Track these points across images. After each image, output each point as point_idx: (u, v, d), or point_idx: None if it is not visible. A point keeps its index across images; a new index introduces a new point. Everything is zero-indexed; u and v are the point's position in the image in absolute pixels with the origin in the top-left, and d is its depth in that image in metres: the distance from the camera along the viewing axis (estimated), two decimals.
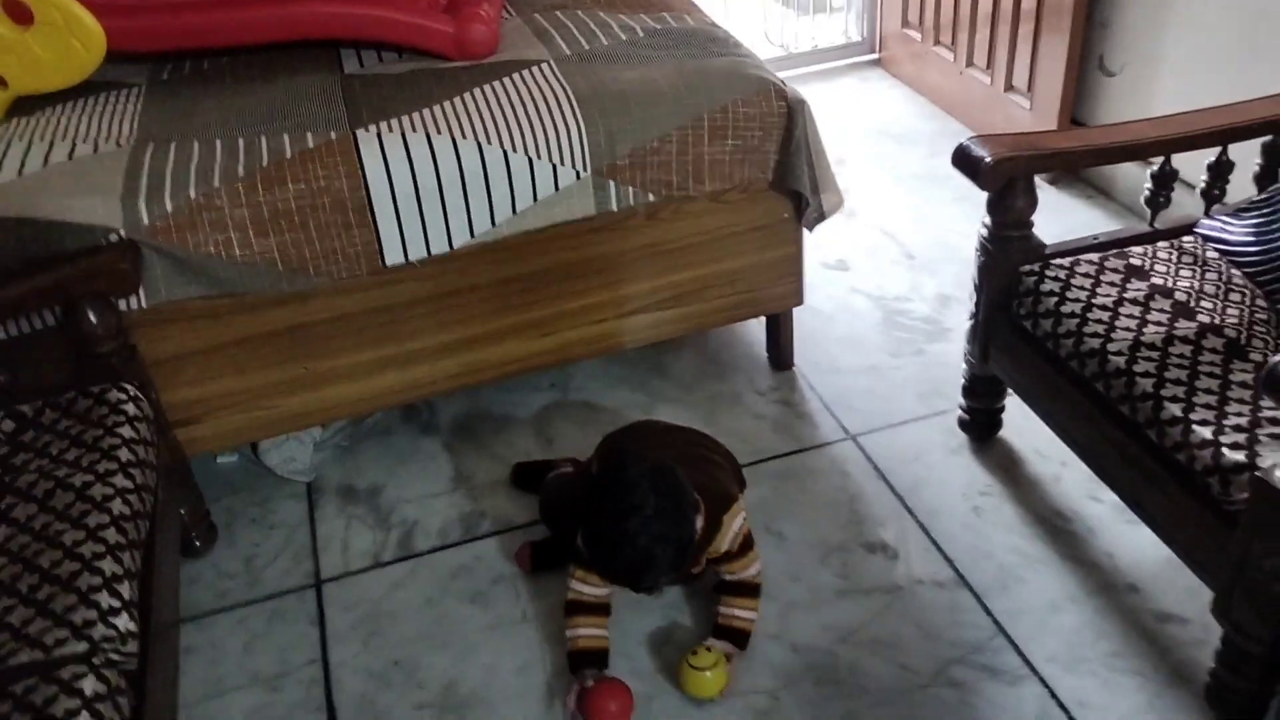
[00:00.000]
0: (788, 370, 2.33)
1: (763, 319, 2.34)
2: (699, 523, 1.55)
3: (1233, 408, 1.49)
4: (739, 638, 1.68)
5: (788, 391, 2.28)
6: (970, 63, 3.13)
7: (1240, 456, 1.41)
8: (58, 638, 1.31)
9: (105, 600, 1.37)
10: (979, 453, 2.06)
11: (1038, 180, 2.60)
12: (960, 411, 2.08)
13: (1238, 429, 1.45)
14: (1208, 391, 1.52)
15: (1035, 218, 1.81)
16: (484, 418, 2.28)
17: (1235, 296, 1.71)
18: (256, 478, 2.17)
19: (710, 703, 1.64)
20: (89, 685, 1.25)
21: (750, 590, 1.70)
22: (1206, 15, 2.42)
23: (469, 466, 2.15)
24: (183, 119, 1.96)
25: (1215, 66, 2.40)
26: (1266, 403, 1.47)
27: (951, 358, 2.26)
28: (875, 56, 3.73)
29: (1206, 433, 1.46)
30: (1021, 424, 2.01)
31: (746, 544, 1.68)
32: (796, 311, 2.39)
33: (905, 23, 3.47)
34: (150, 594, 1.53)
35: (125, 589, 1.41)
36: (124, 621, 1.37)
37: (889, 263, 2.67)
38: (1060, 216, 2.71)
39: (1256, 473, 1.35)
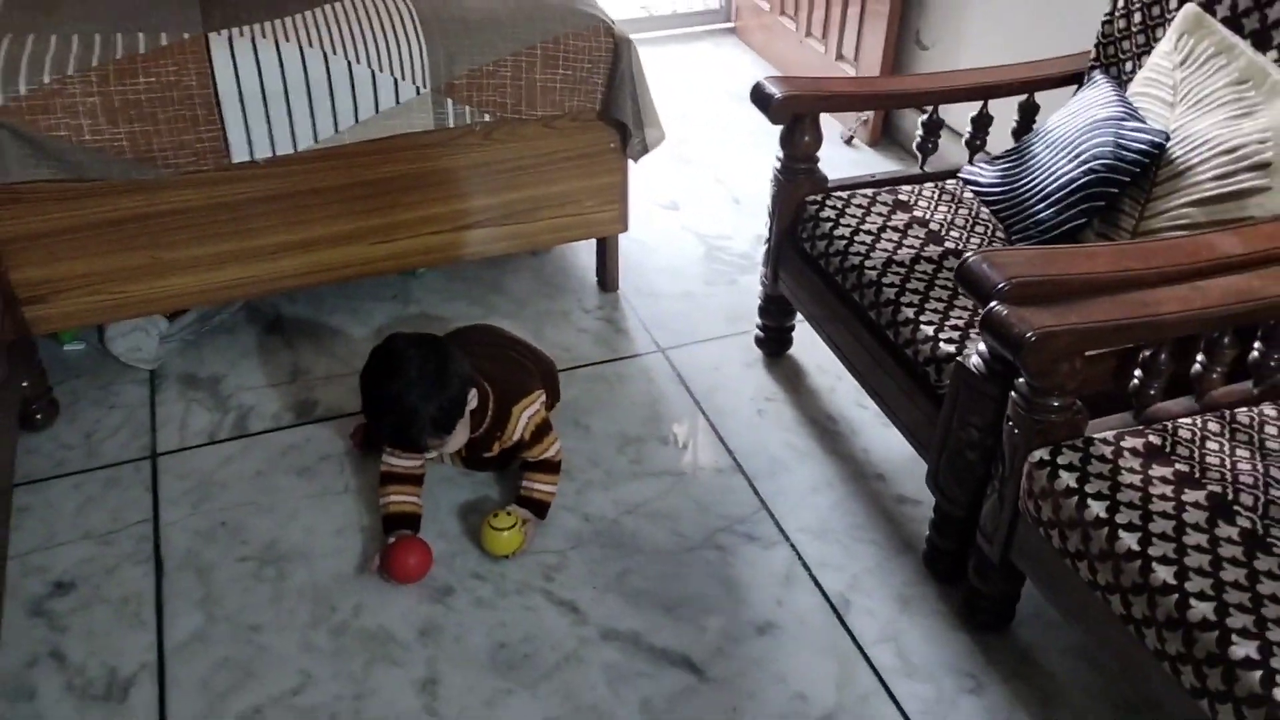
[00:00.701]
0: (613, 293, 2.56)
1: (593, 245, 2.55)
2: (472, 395, 1.77)
3: (956, 313, 1.77)
4: (538, 508, 1.89)
5: (610, 311, 2.50)
6: (809, 33, 3.41)
7: (951, 349, 1.68)
8: None
9: None
10: (770, 366, 2.33)
11: (858, 142, 2.89)
12: (756, 330, 2.34)
13: (954, 328, 1.73)
14: (938, 300, 1.80)
15: (850, 170, 2.05)
16: (326, 322, 2.44)
17: (980, 229, 2.00)
18: (101, 364, 2.29)
19: (506, 560, 1.85)
20: None
21: (549, 467, 1.91)
22: None
23: (308, 362, 2.31)
24: (42, 14, 2.06)
25: (1012, 40, 2.71)
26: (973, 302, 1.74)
27: (759, 289, 2.51)
28: (731, 25, 3.98)
29: (929, 330, 1.73)
30: (808, 344, 2.27)
31: (540, 432, 1.88)
32: (628, 244, 2.62)
33: None
34: None
35: None
36: None
37: (717, 206, 2.92)
38: (871, 170, 2.99)
39: (958, 359, 1.62)
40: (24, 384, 2.05)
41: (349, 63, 2.01)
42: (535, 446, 1.89)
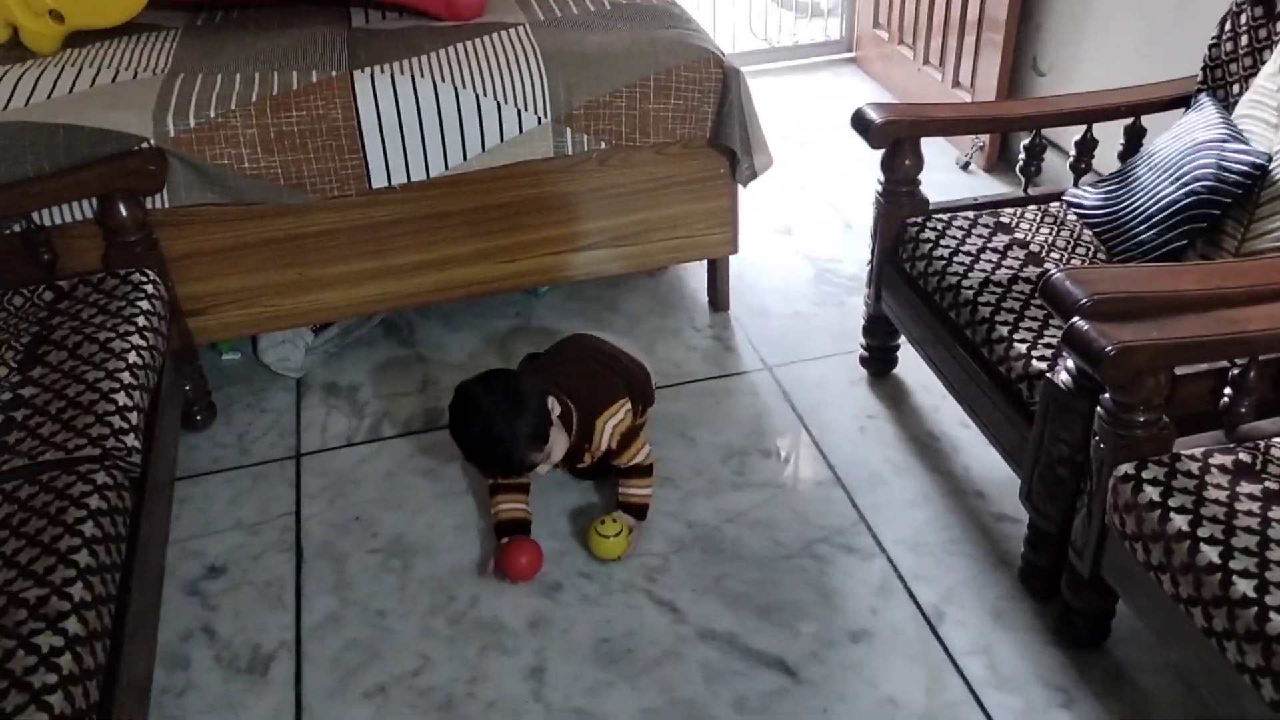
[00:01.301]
0: (724, 312, 2.66)
1: (705, 267, 2.66)
2: (552, 401, 1.88)
3: (1050, 332, 1.80)
4: (637, 510, 2.00)
5: (720, 329, 2.60)
6: (926, 61, 3.45)
7: (1043, 366, 1.72)
8: (78, 444, 1.65)
9: (117, 422, 1.71)
10: (874, 385, 2.38)
11: (974, 168, 2.93)
12: (861, 349, 2.40)
13: (1048, 347, 1.76)
14: (1033, 319, 1.83)
15: (965, 195, 2.11)
16: (455, 337, 2.61)
17: (1081, 250, 2.02)
18: (254, 372, 2.52)
19: (613, 562, 1.96)
20: (100, 478, 1.59)
21: (641, 471, 2.00)
22: (1117, 22, 2.72)
23: (436, 373, 2.49)
24: (210, 56, 2.31)
25: (1126, 65, 2.71)
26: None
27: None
28: (851, 55, 4.04)
29: (1022, 348, 1.77)
30: (913, 364, 2.31)
31: (626, 439, 1.97)
32: (741, 266, 2.72)
33: (876, 23, 3.79)
34: (154, 429, 1.86)
35: (134, 417, 1.75)
36: (131, 439, 1.71)
37: (829, 230, 2.99)
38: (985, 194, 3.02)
39: (1047, 375, 1.66)
40: (187, 388, 2.28)
41: (477, 96, 2.18)
42: (624, 453, 1.98)
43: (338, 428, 2.34)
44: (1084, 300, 1.46)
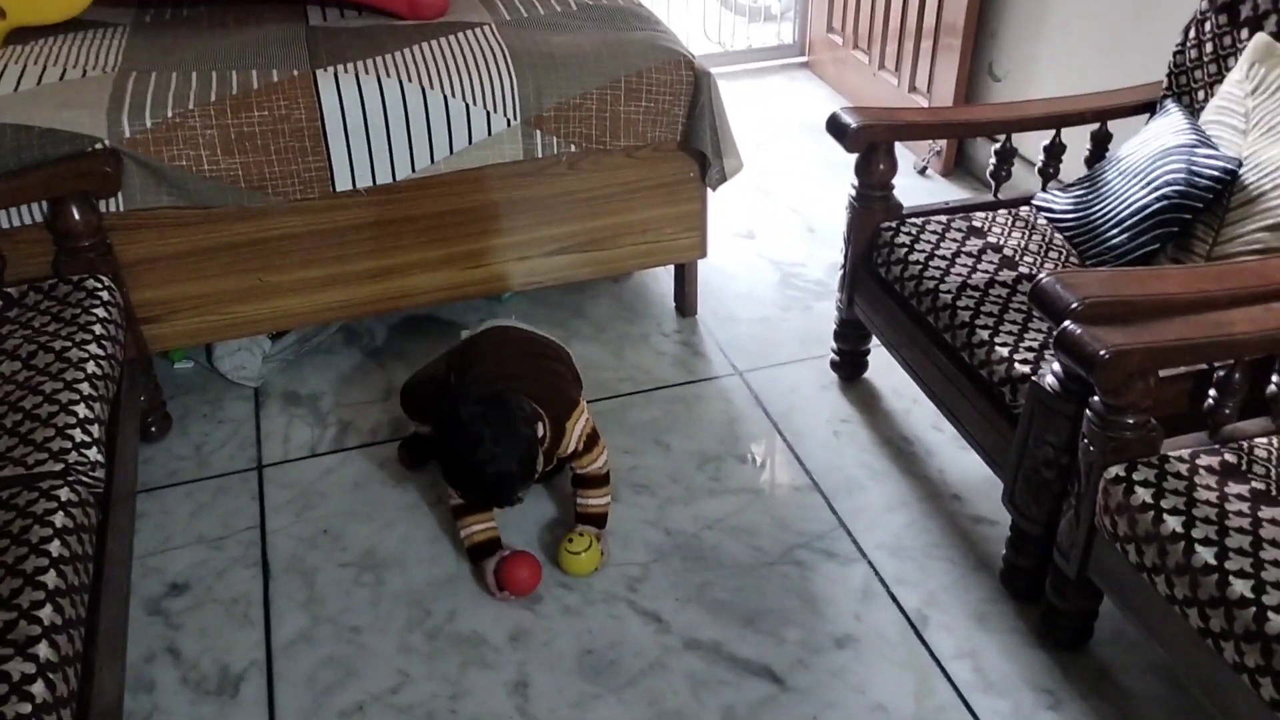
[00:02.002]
0: (691, 317, 2.64)
1: (672, 272, 2.64)
2: (541, 430, 1.81)
3: (1030, 335, 1.81)
4: (597, 520, 1.96)
5: (689, 334, 2.58)
6: (882, 66, 3.47)
7: (1026, 369, 1.73)
8: (38, 459, 1.57)
9: (79, 435, 1.63)
10: (845, 389, 2.38)
11: (931, 172, 2.95)
12: (832, 354, 2.39)
13: (1029, 349, 1.77)
14: (1012, 322, 1.84)
15: (923, 199, 2.11)
16: (418, 344, 2.55)
17: (1054, 254, 2.04)
18: (209, 381, 2.43)
19: (588, 577, 1.92)
20: (64, 494, 1.51)
21: (598, 481, 1.96)
22: (1074, 28, 2.77)
23: (400, 381, 2.40)
24: (162, 54, 2.22)
25: (1083, 71, 2.75)
26: (1047, 324, 1.78)
27: (834, 313, 2.57)
28: (804, 59, 4.06)
29: (1004, 352, 1.78)
30: (884, 368, 2.32)
31: (591, 441, 1.92)
32: (706, 271, 2.70)
33: (830, 28, 3.81)
34: (115, 441, 1.78)
35: (95, 430, 1.67)
36: (93, 453, 1.63)
37: (793, 234, 2.99)
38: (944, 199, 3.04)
39: (1033, 378, 1.66)
40: (142, 398, 2.19)
41: (445, 97, 2.13)
42: (585, 456, 1.93)
43: (300, 438, 2.27)
44: (1075, 304, 1.46)
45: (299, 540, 2.01)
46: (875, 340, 2.23)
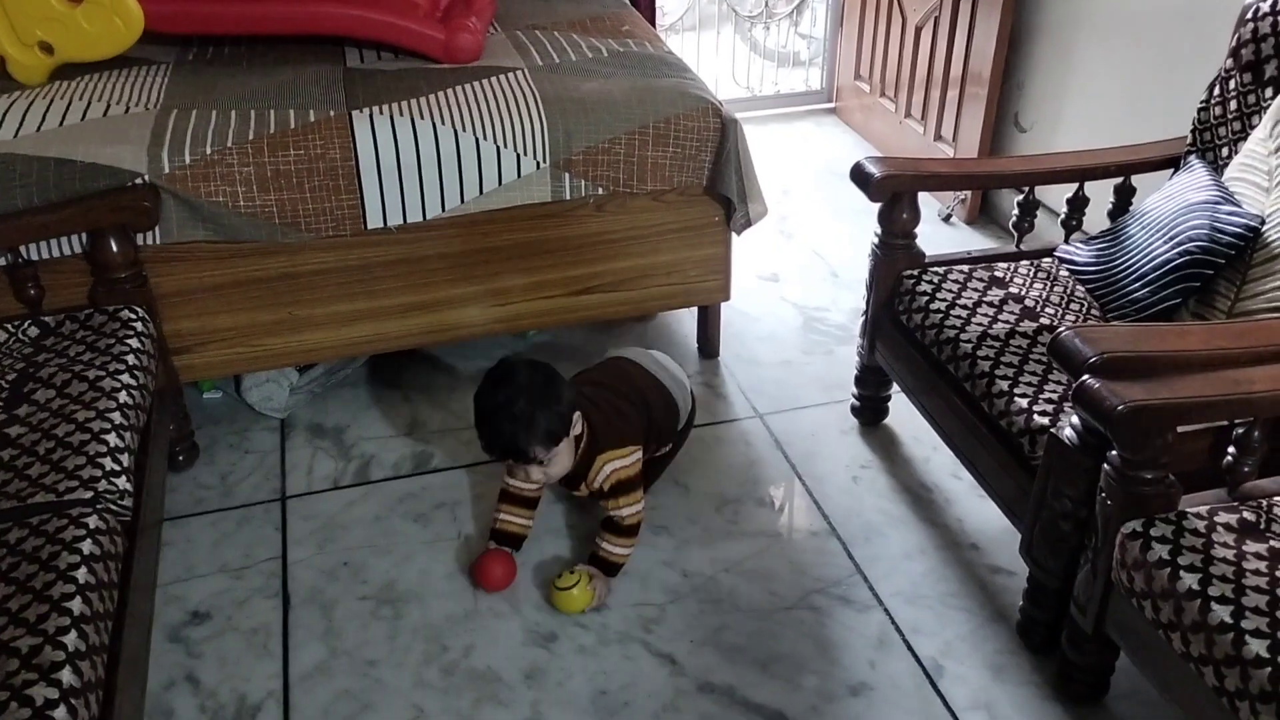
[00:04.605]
0: (714, 359, 2.66)
1: (696, 314, 2.66)
2: (577, 418, 1.86)
3: (1050, 387, 1.82)
4: (606, 566, 1.97)
5: (711, 376, 2.60)
6: (908, 114, 3.50)
7: (1045, 421, 1.73)
8: (69, 486, 1.61)
9: (109, 464, 1.66)
10: (865, 435, 2.39)
11: (955, 220, 2.97)
12: (853, 399, 2.40)
13: (1049, 401, 1.78)
14: (1032, 374, 1.85)
15: (946, 247, 2.13)
16: (443, 379, 2.58)
17: (1075, 306, 2.05)
18: (237, 412, 2.47)
19: (595, 612, 1.93)
20: (92, 521, 1.54)
21: (621, 530, 1.96)
22: (1100, 82, 2.79)
23: (425, 415, 2.46)
24: (203, 92, 2.28)
25: (1108, 125, 2.77)
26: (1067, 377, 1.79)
27: (856, 359, 2.58)
28: (831, 105, 4.10)
29: (1023, 403, 1.78)
30: (904, 414, 2.32)
31: (618, 489, 1.93)
32: (729, 313, 2.73)
33: (858, 75, 3.86)
34: (143, 470, 1.82)
35: (125, 459, 1.70)
36: (122, 482, 1.66)
37: (816, 279, 3.01)
38: (967, 247, 3.06)
39: (1051, 430, 1.67)
40: (171, 427, 2.23)
41: (477, 139, 2.17)
42: (612, 500, 1.94)
43: (324, 470, 2.30)
44: (1093, 358, 1.47)
45: (319, 572, 2.04)
46: (896, 386, 2.24)
